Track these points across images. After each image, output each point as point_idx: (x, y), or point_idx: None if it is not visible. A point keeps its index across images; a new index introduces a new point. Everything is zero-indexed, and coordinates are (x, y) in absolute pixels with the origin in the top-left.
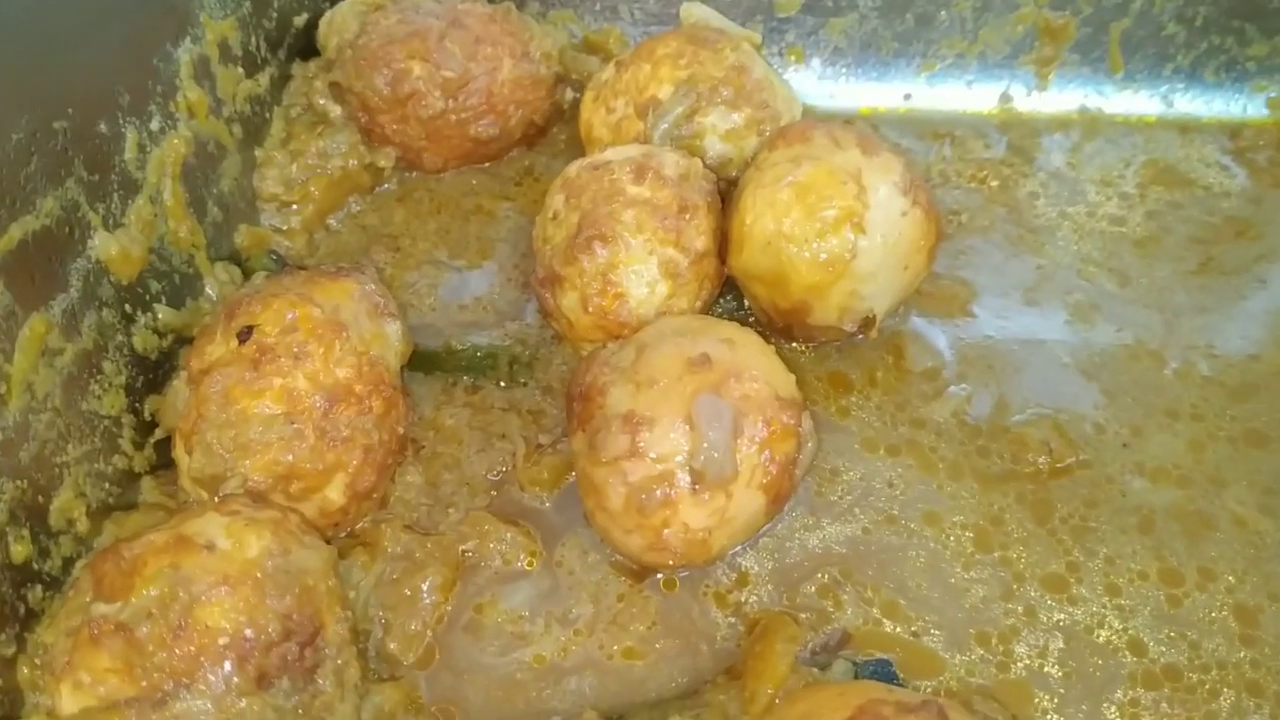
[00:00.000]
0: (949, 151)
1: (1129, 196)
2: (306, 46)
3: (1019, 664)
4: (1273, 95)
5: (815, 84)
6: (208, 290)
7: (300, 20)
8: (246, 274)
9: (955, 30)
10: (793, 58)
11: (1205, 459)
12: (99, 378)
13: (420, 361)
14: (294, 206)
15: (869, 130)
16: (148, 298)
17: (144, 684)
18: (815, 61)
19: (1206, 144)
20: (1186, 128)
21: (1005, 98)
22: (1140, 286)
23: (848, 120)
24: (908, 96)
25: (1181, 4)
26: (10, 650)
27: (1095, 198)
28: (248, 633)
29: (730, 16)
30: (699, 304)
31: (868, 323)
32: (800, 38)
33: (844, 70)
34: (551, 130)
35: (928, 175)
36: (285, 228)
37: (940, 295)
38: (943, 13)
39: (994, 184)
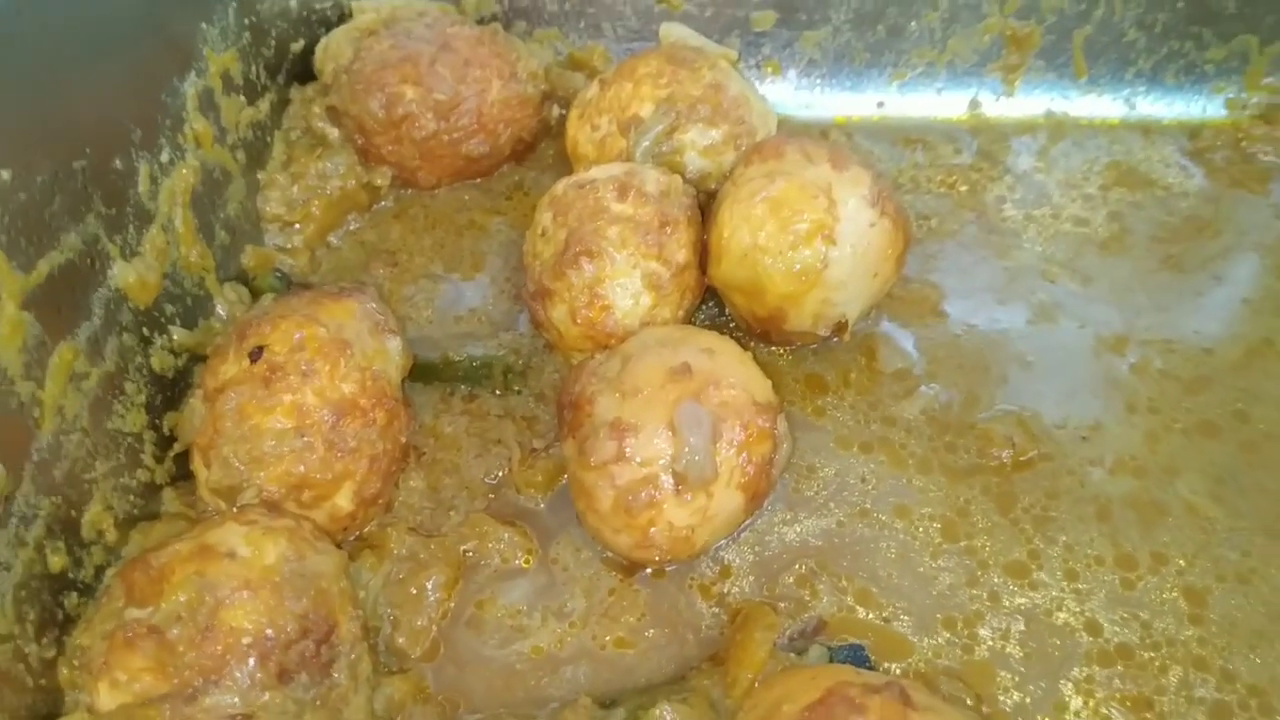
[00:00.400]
0: (921, 157)
1: (1092, 198)
2: (304, 70)
3: (982, 646)
4: (1230, 96)
5: (791, 94)
6: (218, 310)
7: (297, 46)
8: (254, 293)
9: (925, 40)
10: (769, 70)
11: (1160, 450)
12: (121, 398)
13: (420, 372)
14: (296, 226)
15: (840, 145)
16: (163, 320)
17: (175, 681)
18: (791, 73)
19: (1167, 145)
20: (1148, 129)
21: (974, 104)
22: (1102, 286)
23: (823, 130)
24: (881, 104)
25: (1141, 11)
26: (51, 653)
27: (1060, 200)
28: (268, 632)
29: (708, 32)
30: (681, 313)
31: (840, 327)
32: (776, 50)
33: (819, 81)
34: (539, 146)
35: (900, 182)
36: (289, 246)
37: (910, 298)
38: (912, 24)
39: (963, 189)
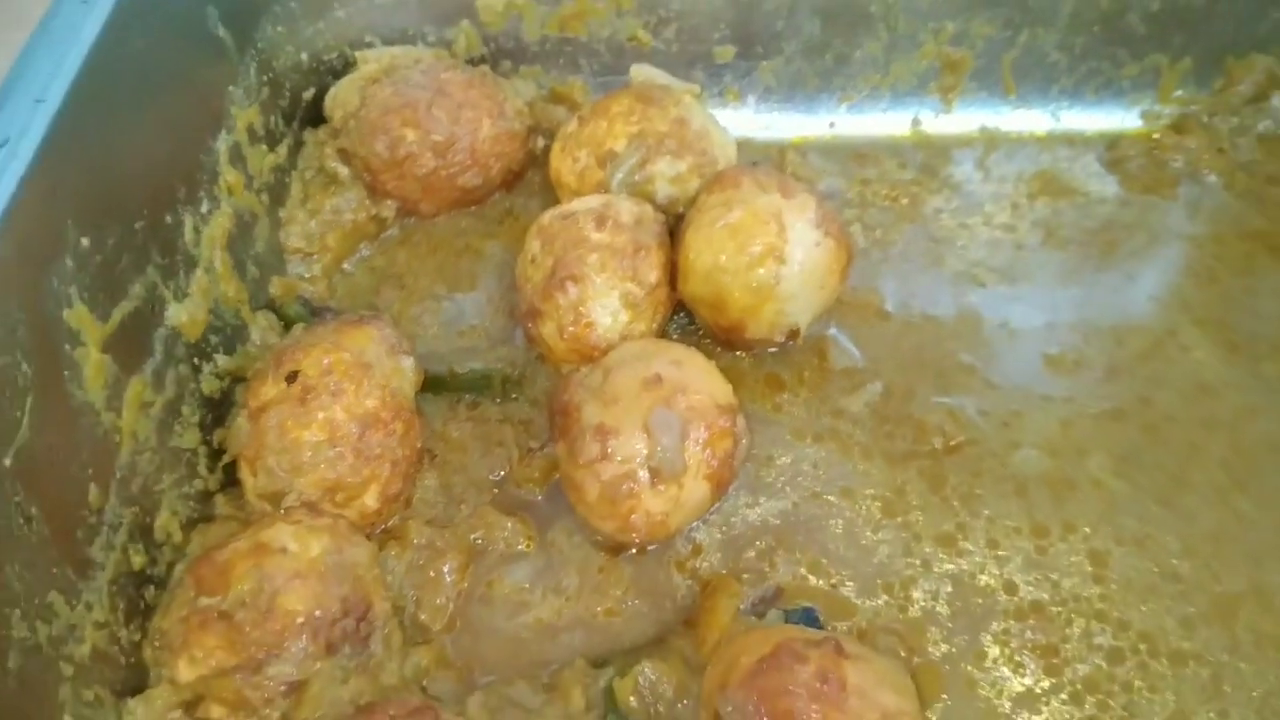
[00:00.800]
0: (870, 173)
1: (1019, 206)
2: (315, 115)
3: (916, 606)
4: (1145, 109)
5: (752, 118)
6: (253, 337)
7: (308, 94)
8: (282, 318)
9: (869, 67)
10: (731, 97)
11: (1071, 433)
12: (179, 419)
13: (429, 385)
14: (315, 256)
15: (788, 176)
16: (208, 350)
17: (243, 655)
18: (750, 99)
19: (1088, 154)
20: (1072, 140)
21: (916, 121)
22: (1025, 287)
23: (781, 149)
24: (832, 125)
25: (1062, 36)
26: (137, 637)
27: (990, 209)
28: (317, 613)
29: (674, 65)
30: (655, 325)
31: (793, 333)
32: (736, 80)
33: (775, 105)
34: (527, 174)
35: (850, 197)
36: (309, 275)
37: (856, 304)
38: (857, 52)
39: (905, 202)
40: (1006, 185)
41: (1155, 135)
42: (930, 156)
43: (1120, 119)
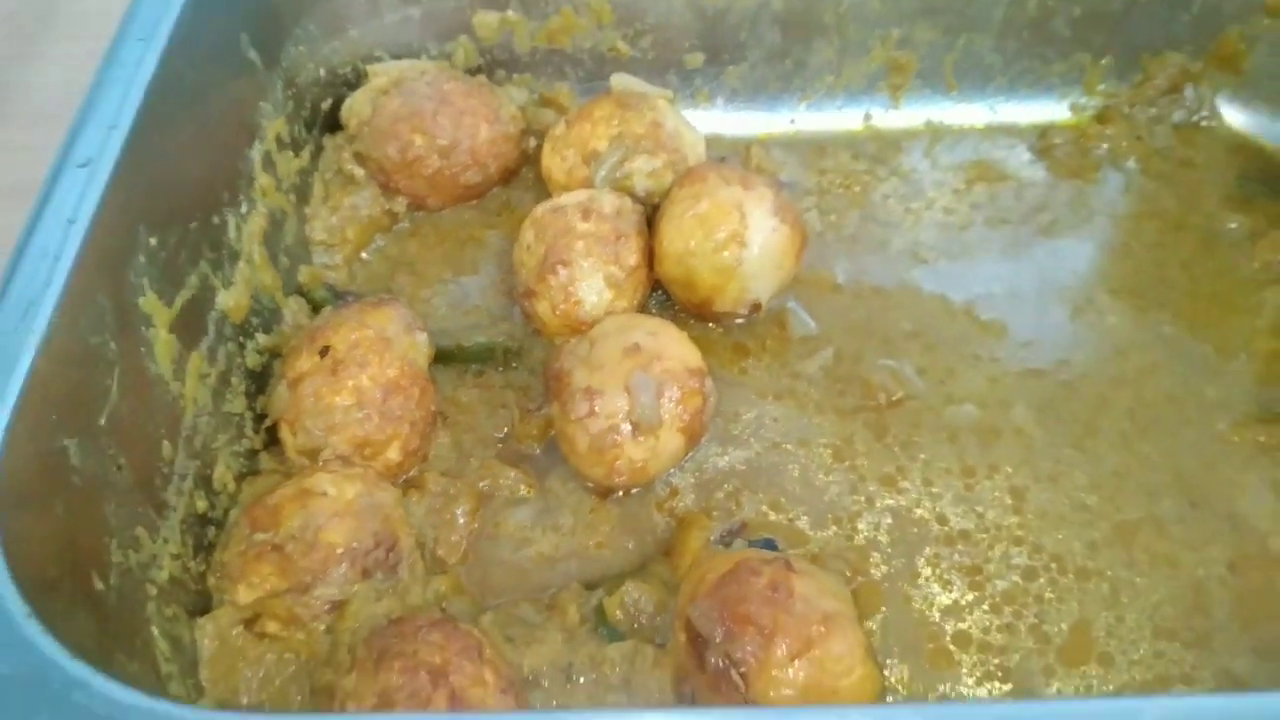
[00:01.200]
0: (827, 163)
1: (959, 191)
2: (333, 123)
3: (860, 535)
4: (1072, 101)
5: (720, 117)
6: (286, 318)
7: (326, 104)
8: (310, 302)
9: (825, 70)
10: (701, 99)
11: (998, 389)
12: (229, 388)
13: (440, 357)
14: (336, 247)
15: (750, 171)
16: (251, 329)
17: (292, 580)
18: (719, 100)
19: (1021, 144)
20: (1008, 131)
21: (868, 117)
22: (961, 262)
23: (747, 144)
24: (792, 121)
25: (996, 39)
26: (203, 568)
27: (933, 194)
28: (354, 544)
29: (650, 72)
30: (635, 302)
31: (756, 307)
32: (706, 83)
33: (741, 105)
34: (521, 170)
35: (808, 186)
36: (332, 264)
37: (812, 281)
38: (814, 57)
39: (857, 189)
40: (949, 173)
41: (1081, 125)
42: (881, 148)
43: (1050, 111)
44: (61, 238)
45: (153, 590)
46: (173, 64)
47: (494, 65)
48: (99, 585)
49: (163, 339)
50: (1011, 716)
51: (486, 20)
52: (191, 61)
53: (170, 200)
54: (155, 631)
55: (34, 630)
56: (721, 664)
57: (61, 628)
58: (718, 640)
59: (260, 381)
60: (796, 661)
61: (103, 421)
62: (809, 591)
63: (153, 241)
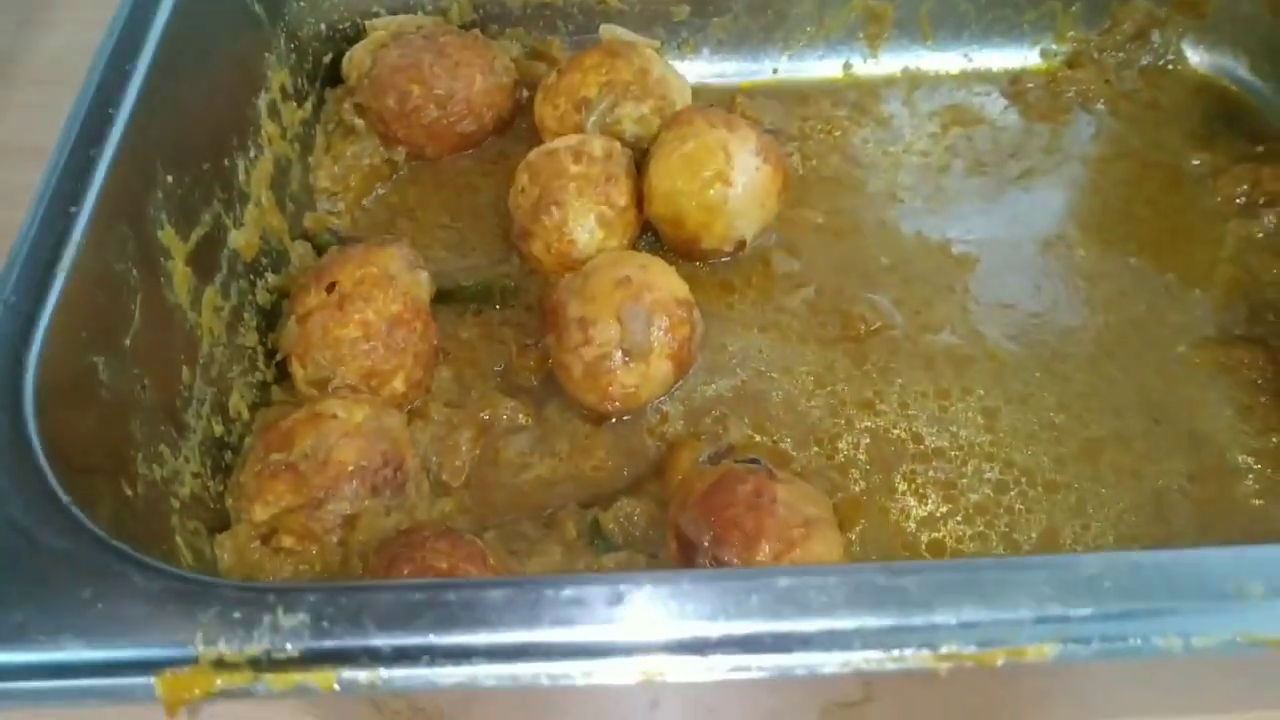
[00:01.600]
0: (809, 110)
1: (935, 135)
2: (334, 76)
3: (840, 455)
4: (1044, 47)
5: (706, 67)
6: (293, 260)
7: (327, 58)
8: (315, 246)
9: (806, 20)
10: (687, 49)
11: (970, 318)
12: (243, 323)
13: (441, 296)
14: (339, 195)
15: (734, 115)
16: (261, 268)
17: (306, 496)
18: (705, 50)
19: (994, 89)
20: (982, 77)
21: (847, 66)
22: (936, 202)
23: (732, 94)
24: (775, 71)
25: None
26: (220, 488)
27: (910, 138)
28: (363, 463)
29: (637, 23)
30: (626, 241)
31: (741, 245)
32: (691, 34)
33: (726, 55)
34: (515, 121)
35: (791, 133)
36: (335, 210)
37: (794, 220)
38: (795, 9)
39: (837, 134)
40: (925, 118)
41: (1052, 70)
42: (860, 96)
43: (1022, 58)
44: (87, 167)
45: (175, 504)
46: (183, 14)
47: (487, 20)
48: (129, 491)
49: (180, 270)
50: (963, 569)
51: None
52: (200, 11)
53: (184, 141)
54: (179, 541)
55: (76, 512)
56: (709, 566)
57: (99, 515)
58: (705, 544)
59: (271, 320)
60: (779, 561)
61: (127, 343)
62: (790, 498)
63: (169, 178)
